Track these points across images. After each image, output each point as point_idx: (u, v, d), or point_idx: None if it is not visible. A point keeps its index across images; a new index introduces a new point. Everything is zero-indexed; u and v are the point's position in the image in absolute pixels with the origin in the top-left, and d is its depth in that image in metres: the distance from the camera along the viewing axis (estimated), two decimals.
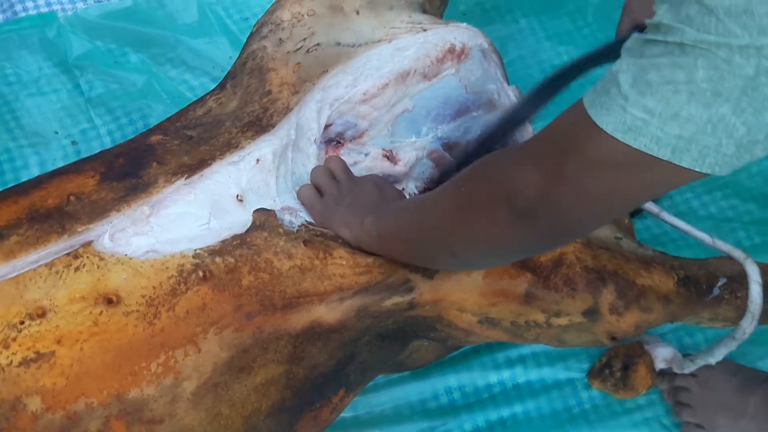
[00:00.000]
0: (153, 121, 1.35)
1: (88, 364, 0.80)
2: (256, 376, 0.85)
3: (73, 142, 1.33)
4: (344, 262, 0.90)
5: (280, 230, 0.91)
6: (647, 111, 0.58)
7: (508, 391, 1.15)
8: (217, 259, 0.87)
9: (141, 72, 1.40)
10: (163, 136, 1.02)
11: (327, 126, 1.04)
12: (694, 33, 0.55)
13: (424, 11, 1.18)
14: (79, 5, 1.46)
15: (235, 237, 0.89)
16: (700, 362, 1.04)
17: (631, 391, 1.11)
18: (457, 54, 1.10)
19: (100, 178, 0.93)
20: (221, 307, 0.84)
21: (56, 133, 1.34)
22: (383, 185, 0.98)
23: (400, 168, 1.07)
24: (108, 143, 1.34)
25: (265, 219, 0.92)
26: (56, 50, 1.40)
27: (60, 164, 1.31)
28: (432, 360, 1.07)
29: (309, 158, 1.01)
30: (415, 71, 1.07)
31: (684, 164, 0.58)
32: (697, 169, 0.58)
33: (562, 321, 0.94)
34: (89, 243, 0.85)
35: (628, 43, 0.62)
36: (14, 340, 0.79)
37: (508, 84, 1.15)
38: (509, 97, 1.14)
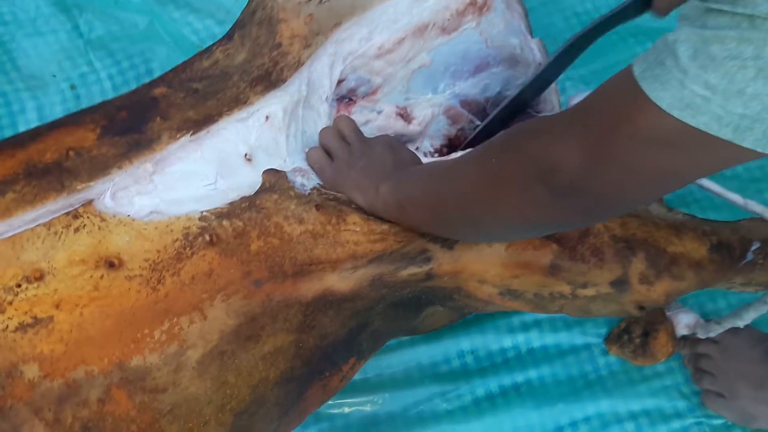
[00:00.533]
0: (155, 66, 1.29)
1: (88, 330, 0.76)
2: (264, 344, 0.81)
3: (72, 87, 1.27)
4: (358, 229, 0.86)
5: (291, 193, 0.86)
6: (708, 87, 0.53)
7: (522, 355, 1.11)
8: (225, 223, 0.82)
9: (143, 13, 1.33)
10: (168, 88, 0.96)
11: (339, 81, 0.98)
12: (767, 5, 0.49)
13: None
14: None
15: (243, 199, 0.84)
16: (727, 325, 1.00)
17: (651, 358, 1.07)
18: (479, 6, 1.03)
19: (101, 132, 0.88)
20: (229, 273, 0.80)
21: (54, 76, 1.28)
22: (397, 147, 0.92)
23: (414, 127, 1.01)
24: (108, 88, 1.28)
25: (275, 180, 0.87)
26: None
27: (58, 109, 1.26)
28: (445, 324, 1.04)
29: (320, 116, 0.95)
30: (433, 24, 1.01)
31: (746, 144, 0.53)
32: (759, 150, 0.53)
33: (589, 292, 0.89)
34: (90, 202, 0.80)
35: (685, 9, 0.56)
36: (10, 303, 0.75)
37: (532, 36, 1.09)
38: (532, 51, 1.07)
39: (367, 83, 1.00)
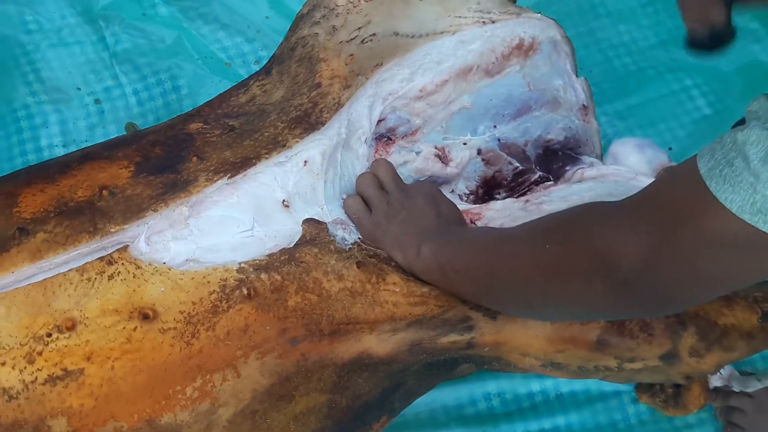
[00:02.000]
0: (182, 82, 1.26)
1: (119, 385, 0.73)
2: (296, 404, 0.79)
3: (96, 101, 1.24)
4: (398, 290, 0.83)
5: (332, 247, 0.84)
6: None
7: (550, 400, 1.09)
8: (263, 276, 0.80)
9: (171, 27, 1.30)
10: (204, 123, 0.93)
11: (379, 121, 0.96)
12: None
13: None
14: None
15: (283, 251, 0.82)
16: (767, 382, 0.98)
17: (682, 409, 1.05)
18: (525, 50, 1.01)
19: (135, 170, 0.85)
20: (265, 330, 0.77)
21: (78, 89, 1.25)
22: (438, 198, 0.90)
23: (451, 169, 0.99)
24: (133, 103, 1.25)
25: (316, 233, 0.84)
26: None
27: (82, 124, 1.23)
28: (474, 371, 1.01)
29: (358, 158, 0.93)
30: (478, 67, 0.98)
31: None
32: None
33: (636, 365, 0.87)
34: (125, 248, 0.77)
35: (755, 106, 0.54)
36: (40, 354, 0.72)
37: (577, 75, 1.06)
38: (576, 91, 1.05)
39: (406, 123, 0.97)
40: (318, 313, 0.80)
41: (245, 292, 0.79)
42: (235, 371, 0.77)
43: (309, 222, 0.85)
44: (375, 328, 0.82)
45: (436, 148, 0.98)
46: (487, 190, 1.01)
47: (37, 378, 0.72)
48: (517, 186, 1.01)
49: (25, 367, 0.72)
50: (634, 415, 1.09)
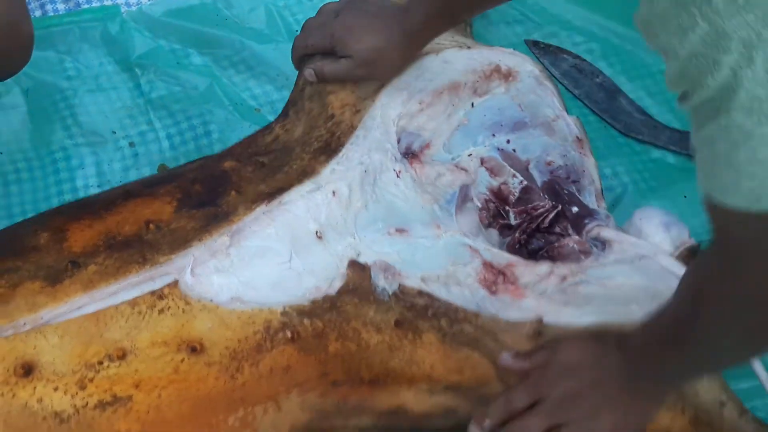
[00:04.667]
0: (213, 128, 1.31)
1: (164, 413, 0.76)
2: None
3: (131, 144, 1.29)
4: (434, 350, 0.86)
5: (371, 298, 0.87)
6: None
7: None
8: (306, 321, 0.84)
9: (204, 75, 1.36)
10: (236, 161, 0.99)
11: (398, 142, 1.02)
12: None
13: (460, 35, 1.17)
14: (144, 0, 1.41)
15: (326, 299, 0.86)
16: None
17: None
18: (504, 74, 1.08)
19: (178, 205, 0.90)
20: (306, 371, 0.81)
21: (114, 133, 1.30)
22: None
23: (470, 177, 1.04)
24: (166, 147, 1.29)
25: (359, 282, 0.88)
26: (118, 46, 1.35)
27: (117, 166, 1.27)
28: None
29: (398, 178, 0.98)
30: (465, 84, 1.06)
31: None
32: None
33: None
34: (175, 283, 0.81)
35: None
36: (91, 380, 0.76)
37: (568, 114, 1.11)
38: (568, 124, 1.10)
39: (418, 138, 1.03)
40: (357, 361, 0.83)
41: (288, 335, 0.83)
42: (276, 405, 0.80)
43: (353, 267, 0.89)
44: (413, 384, 0.84)
45: (452, 161, 1.04)
46: (500, 203, 1.05)
47: (87, 403, 0.75)
48: (533, 219, 1.04)
49: (77, 393, 0.75)
50: None
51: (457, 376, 0.86)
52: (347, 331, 0.85)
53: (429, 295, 0.91)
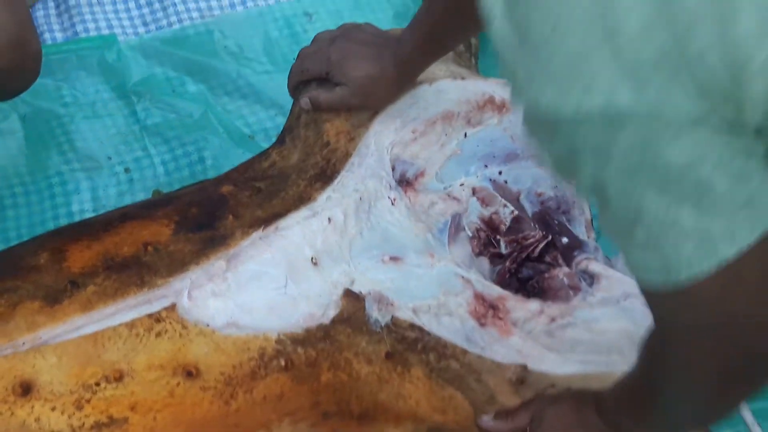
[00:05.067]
0: (207, 154, 1.33)
1: None
2: None
3: (126, 170, 1.31)
4: (421, 385, 0.88)
5: (364, 328, 0.89)
6: None
7: None
8: (300, 350, 0.85)
9: (198, 103, 1.38)
10: (233, 186, 1.00)
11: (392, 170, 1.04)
12: None
13: (458, 65, 1.19)
14: (141, 30, 1.43)
15: (319, 327, 0.87)
16: None
17: None
18: (498, 105, 1.10)
19: (175, 228, 0.91)
20: (299, 400, 0.82)
21: (110, 158, 1.31)
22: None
23: (462, 207, 1.06)
24: (161, 173, 1.31)
25: (353, 312, 0.90)
26: (114, 74, 1.37)
27: (112, 191, 1.29)
28: None
29: (392, 206, 1.00)
30: (458, 114, 1.08)
31: None
32: None
33: None
34: (173, 306, 0.83)
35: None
36: (88, 401, 0.77)
37: None
38: None
39: (412, 166, 1.05)
40: (348, 392, 0.84)
41: (282, 363, 0.84)
42: None
43: (348, 297, 0.90)
44: (399, 423, 0.85)
45: (445, 190, 1.06)
46: (492, 232, 1.06)
47: (84, 423, 0.76)
48: (523, 249, 1.06)
49: (74, 413, 0.76)
50: None
51: (440, 417, 0.88)
52: (339, 361, 0.86)
53: (420, 329, 0.92)
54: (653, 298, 0.62)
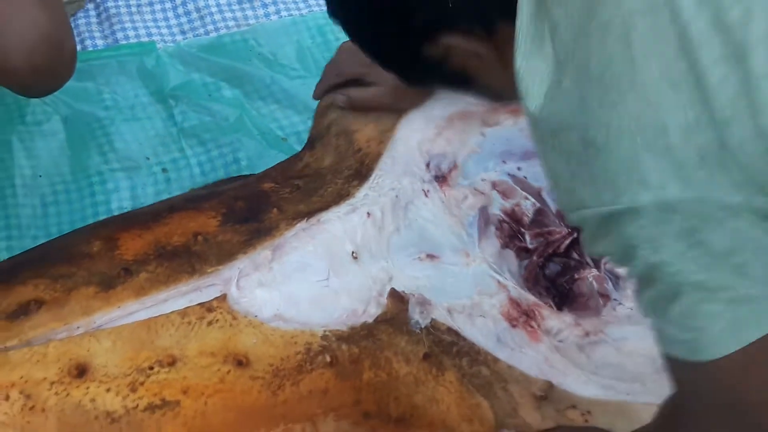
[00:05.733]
0: (242, 155, 1.36)
1: (210, 419, 0.79)
2: None
3: (164, 170, 1.34)
4: (452, 390, 0.89)
5: (404, 328, 0.91)
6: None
7: None
8: (344, 347, 0.87)
9: (234, 107, 1.41)
10: (274, 183, 1.03)
11: (427, 165, 1.07)
12: None
13: None
14: (179, 37, 1.47)
15: (363, 326, 0.89)
16: None
17: None
18: (512, 109, 1.11)
19: (222, 220, 0.94)
20: (342, 397, 0.84)
21: (148, 159, 1.34)
22: None
23: (489, 199, 1.08)
24: (197, 173, 1.34)
25: (396, 312, 0.92)
26: (153, 79, 1.41)
27: (150, 190, 1.32)
28: None
29: (428, 197, 1.02)
30: (475, 114, 1.10)
31: None
32: None
33: None
34: (224, 297, 0.85)
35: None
36: (142, 384, 0.79)
37: None
38: None
39: (445, 159, 1.07)
40: (387, 392, 0.86)
41: (327, 359, 0.86)
42: (314, 426, 0.82)
43: (393, 297, 0.93)
44: (432, 430, 0.87)
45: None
46: (515, 224, 1.08)
47: (138, 405, 0.78)
48: (549, 244, 1.07)
49: (128, 395, 0.78)
50: None
51: (467, 427, 0.89)
52: (380, 360, 0.88)
53: (456, 333, 0.94)
54: (676, 368, 0.66)
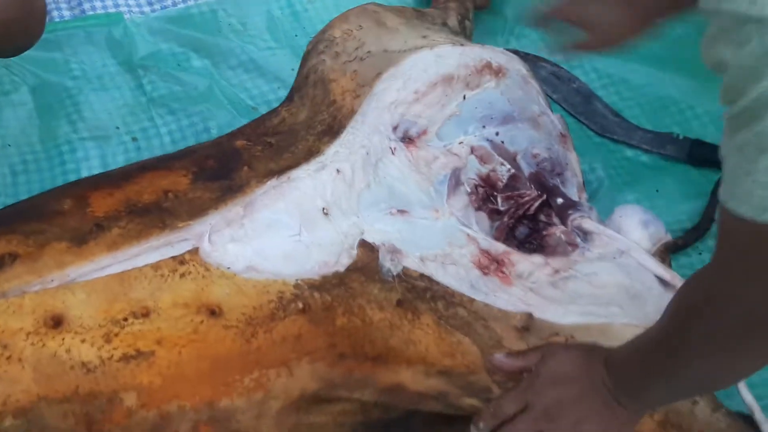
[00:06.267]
0: (213, 124, 1.36)
1: (184, 369, 0.80)
2: (336, 406, 0.87)
3: (134, 139, 1.34)
4: (430, 332, 0.91)
5: (377, 277, 0.93)
6: None
7: None
8: (316, 294, 0.89)
9: (203, 76, 1.41)
10: (247, 141, 1.05)
11: (394, 128, 1.08)
12: None
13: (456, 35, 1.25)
14: (146, 9, 1.47)
15: (335, 275, 0.91)
16: None
17: None
18: (495, 70, 1.14)
19: (193, 178, 0.95)
20: (316, 341, 0.86)
21: (117, 128, 1.34)
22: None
23: (463, 161, 1.10)
24: (168, 142, 1.34)
25: (367, 261, 0.94)
26: (121, 49, 1.41)
27: (120, 159, 1.32)
28: None
29: (396, 160, 1.04)
30: (458, 77, 1.12)
31: None
32: None
33: None
34: (196, 250, 0.86)
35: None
36: (116, 335, 0.80)
37: (552, 112, 1.19)
38: (554, 122, 1.17)
39: (414, 125, 1.09)
40: (361, 336, 0.88)
41: (300, 306, 0.88)
42: (289, 370, 0.84)
43: (363, 247, 0.95)
44: (411, 366, 0.89)
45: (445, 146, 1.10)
46: (489, 189, 1.11)
47: (113, 355, 0.79)
48: (520, 206, 1.10)
49: (103, 345, 0.79)
50: None
51: (449, 361, 0.91)
52: (353, 307, 0.90)
53: (429, 278, 0.97)
54: (730, 229, 0.65)
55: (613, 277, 1.04)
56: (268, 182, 0.95)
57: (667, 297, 0.92)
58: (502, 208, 1.11)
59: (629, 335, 0.85)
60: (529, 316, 0.97)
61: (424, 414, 0.92)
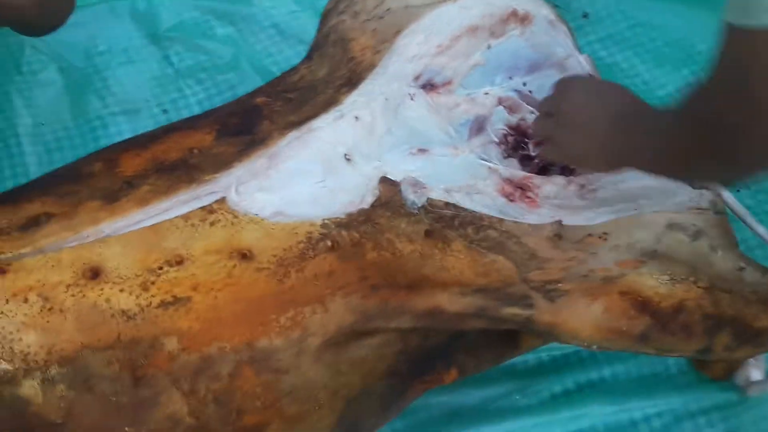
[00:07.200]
0: (241, 92, 1.36)
1: (221, 312, 0.82)
2: (374, 339, 0.88)
3: (164, 111, 1.36)
4: (462, 257, 0.92)
5: (402, 211, 0.94)
6: None
7: (596, 354, 1.17)
8: (344, 232, 0.90)
9: (227, 44, 1.44)
10: (267, 97, 1.06)
11: (416, 78, 1.09)
12: None
13: None
14: None
15: (360, 212, 0.92)
16: None
17: (709, 372, 1.11)
18: (520, 18, 1.13)
19: (216, 135, 0.97)
20: (347, 276, 0.87)
21: (147, 101, 1.37)
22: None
23: (489, 110, 1.11)
24: (197, 111, 1.36)
25: (390, 196, 0.95)
26: (145, 22, 1.43)
27: None
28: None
29: (416, 105, 1.05)
30: (482, 27, 1.12)
31: None
32: None
33: (673, 355, 0.96)
34: (223, 199, 0.88)
35: None
36: (153, 283, 0.82)
37: (580, 53, 1.18)
38: (581, 64, 1.16)
39: (439, 75, 1.09)
40: (393, 269, 0.89)
41: (329, 244, 0.89)
42: (323, 306, 0.85)
43: (384, 183, 0.96)
44: (446, 288, 0.90)
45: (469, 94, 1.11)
46: (520, 137, 1.11)
47: (151, 303, 0.81)
48: None
49: (141, 294, 0.81)
50: (674, 365, 1.16)
51: (484, 280, 0.92)
52: (382, 242, 0.91)
53: (455, 206, 0.97)
54: (734, 38, 0.68)
55: (641, 181, 1.03)
56: (289, 134, 0.96)
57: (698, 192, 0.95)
58: (533, 153, 1.11)
59: (662, 222, 0.85)
60: (559, 223, 0.98)
61: (465, 339, 0.94)
